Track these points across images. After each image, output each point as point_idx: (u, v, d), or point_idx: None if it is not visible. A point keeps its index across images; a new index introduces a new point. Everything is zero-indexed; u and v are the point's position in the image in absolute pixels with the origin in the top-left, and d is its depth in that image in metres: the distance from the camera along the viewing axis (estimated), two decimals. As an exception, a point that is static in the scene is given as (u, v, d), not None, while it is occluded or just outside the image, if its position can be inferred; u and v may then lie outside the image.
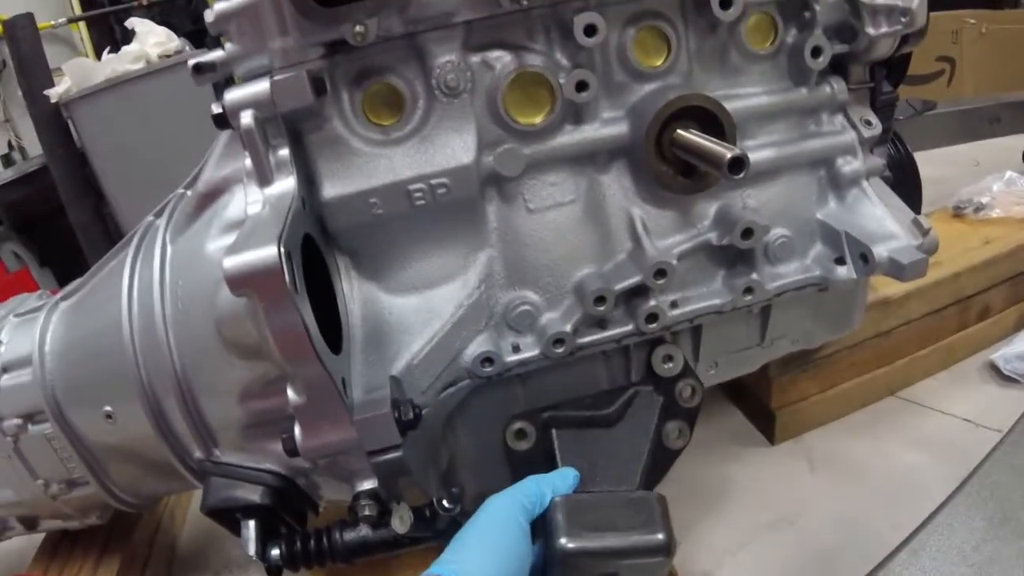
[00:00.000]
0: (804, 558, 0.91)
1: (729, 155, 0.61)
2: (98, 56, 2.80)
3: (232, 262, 0.54)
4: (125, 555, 0.98)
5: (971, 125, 1.90)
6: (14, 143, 3.56)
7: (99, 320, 0.79)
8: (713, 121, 0.70)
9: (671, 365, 0.79)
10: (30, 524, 0.94)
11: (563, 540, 0.63)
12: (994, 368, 1.18)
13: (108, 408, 0.79)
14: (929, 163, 1.33)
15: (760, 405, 1.12)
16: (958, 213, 1.40)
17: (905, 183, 1.05)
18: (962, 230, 1.33)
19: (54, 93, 2.59)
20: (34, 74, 2.77)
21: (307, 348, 0.56)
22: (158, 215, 0.84)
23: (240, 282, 0.54)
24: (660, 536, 0.64)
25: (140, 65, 2.44)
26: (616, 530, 0.64)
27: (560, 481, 0.69)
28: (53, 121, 2.73)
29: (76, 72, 2.51)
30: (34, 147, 3.26)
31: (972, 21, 2.98)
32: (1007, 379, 1.16)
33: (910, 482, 0.99)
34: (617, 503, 0.68)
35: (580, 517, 0.65)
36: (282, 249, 0.54)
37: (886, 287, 1.10)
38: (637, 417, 0.80)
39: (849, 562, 0.89)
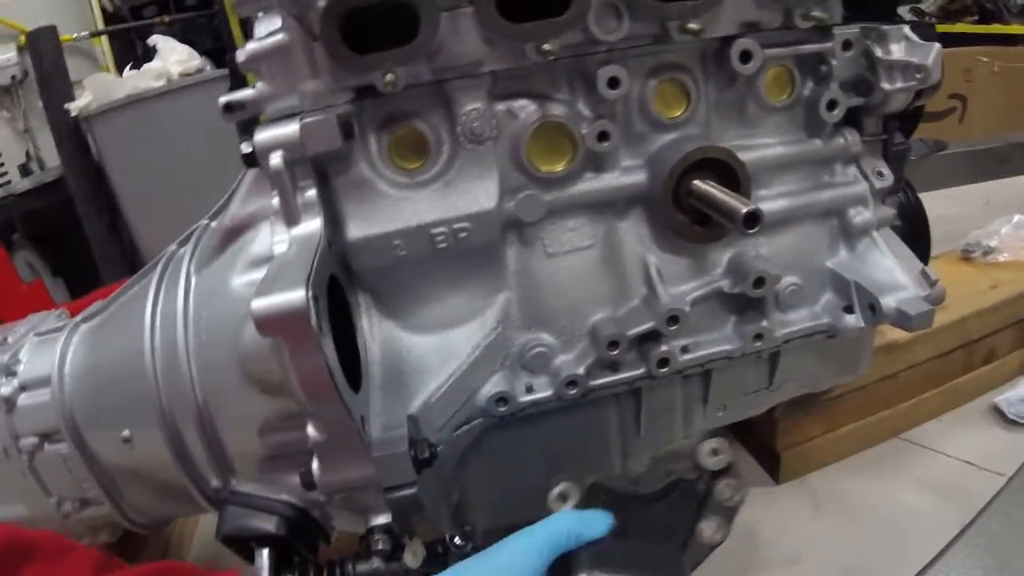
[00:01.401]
0: (807, 599, 0.92)
1: (744, 210, 0.63)
2: (119, 70, 2.84)
3: (260, 304, 0.55)
4: (132, 574, 0.99)
5: (982, 166, 1.90)
6: (32, 153, 3.60)
7: (121, 345, 0.80)
8: (729, 172, 0.72)
9: (717, 459, 0.80)
10: (40, 540, 0.95)
11: (583, 573, 0.62)
12: (998, 411, 1.18)
13: (126, 432, 0.79)
14: (938, 201, 1.32)
15: (765, 445, 1.13)
16: (966, 256, 1.41)
17: (914, 231, 1.06)
18: (970, 273, 1.34)
19: (74, 107, 2.62)
20: (55, 86, 2.81)
21: (330, 389, 0.57)
22: (182, 244, 0.85)
23: (268, 324, 0.55)
24: None
25: (161, 83, 2.47)
26: (637, 573, 0.64)
27: (593, 526, 0.65)
28: (72, 134, 2.76)
29: (97, 87, 2.55)
30: (52, 158, 3.30)
31: (985, 59, 3.00)
32: (1011, 422, 1.16)
33: (913, 525, 1.00)
34: (643, 550, 0.67)
35: (604, 554, 0.64)
36: (310, 293, 0.55)
37: (893, 331, 1.11)
38: (677, 503, 0.82)
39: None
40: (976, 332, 1.21)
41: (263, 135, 0.67)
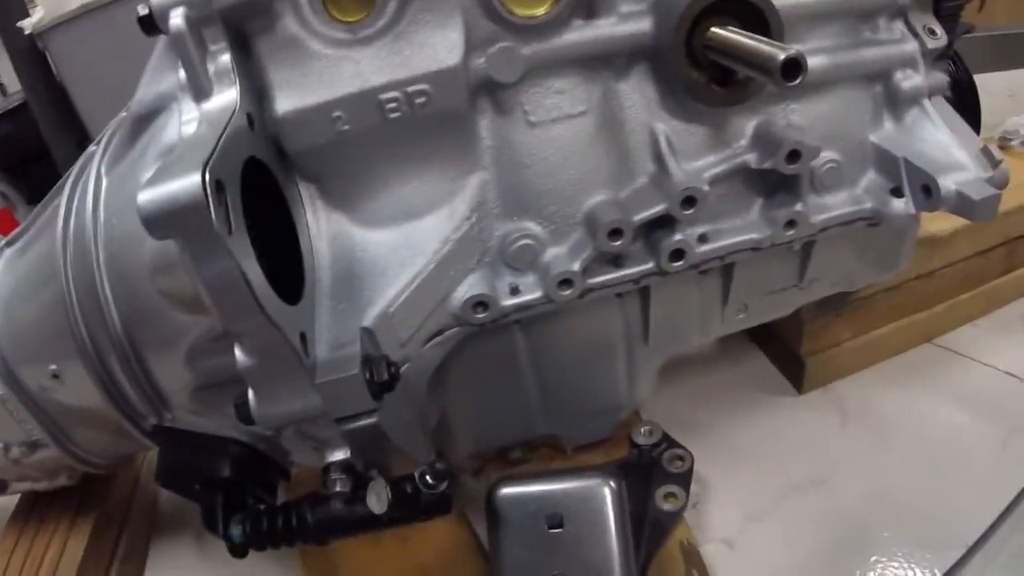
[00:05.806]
0: (834, 526, 0.82)
1: (783, 56, 0.49)
2: (72, -20, 2.64)
3: (147, 196, 0.42)
4: (100, 515, 0.92)
5: (1009, 52, 1.80)
6: (-9, 81, 3.42)
7: (39, 268, 0.70)
8: (756, 18, 0.57)
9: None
10: (-1, 488, 0.88)
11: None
12: (1038, 318, 1.08)
13: (53, 367, 0.70)
14: (961, 91, 1.21)
15: (788, 350, 1.03)
16: (1004, 145, 1.28)
17: (965, 106, 0.93)
18: (1010, 164, 1.21)
19: (27, 24, 2.45)
20: (6, 4, 2.64)
21: (247, 300, 0.44)
22: (99, 142, 0.73)
23: (159, 222, 0.42)
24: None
25: (115, -13, 2.29)
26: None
27: None
28: (29, 54, 2.60)
29: (49, 0, 2.37)
30: (14, 83, 3.14)
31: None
32: (1053, 331, 1.06)
33: (952, 443, 0.91)
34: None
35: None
36: (208, 178, 0.42)
37: (931, 223, 0.99)
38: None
39: (882, 532, 0.80)
40: (1018, 228, 1.09)
41: None
